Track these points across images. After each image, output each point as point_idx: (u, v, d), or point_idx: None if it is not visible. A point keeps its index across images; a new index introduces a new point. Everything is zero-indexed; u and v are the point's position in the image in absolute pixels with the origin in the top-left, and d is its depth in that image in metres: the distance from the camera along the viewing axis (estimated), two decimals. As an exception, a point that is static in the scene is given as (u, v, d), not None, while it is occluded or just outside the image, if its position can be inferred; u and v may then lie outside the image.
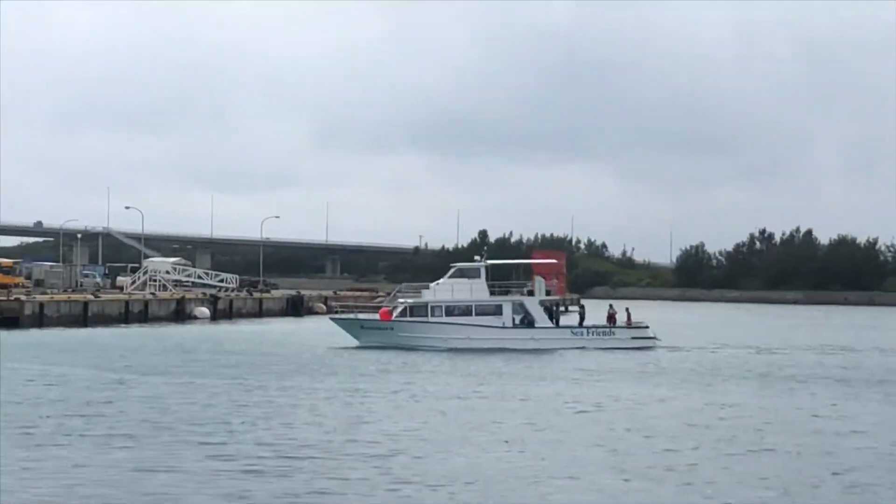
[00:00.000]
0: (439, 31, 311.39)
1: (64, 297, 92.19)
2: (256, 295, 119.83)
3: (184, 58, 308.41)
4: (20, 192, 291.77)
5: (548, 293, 68.81)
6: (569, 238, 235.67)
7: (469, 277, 67.21)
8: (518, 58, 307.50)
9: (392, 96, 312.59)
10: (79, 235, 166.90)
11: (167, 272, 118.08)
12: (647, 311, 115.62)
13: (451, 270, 68.54)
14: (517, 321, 66.20)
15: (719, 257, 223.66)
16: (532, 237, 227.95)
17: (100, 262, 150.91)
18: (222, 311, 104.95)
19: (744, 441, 30.69)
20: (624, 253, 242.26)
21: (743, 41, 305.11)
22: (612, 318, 68.86)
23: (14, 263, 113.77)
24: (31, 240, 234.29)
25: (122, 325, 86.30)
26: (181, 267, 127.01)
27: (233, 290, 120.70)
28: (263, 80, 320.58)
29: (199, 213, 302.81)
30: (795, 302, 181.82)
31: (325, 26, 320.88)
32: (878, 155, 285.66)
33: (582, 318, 70.59)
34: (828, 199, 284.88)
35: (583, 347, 64.29)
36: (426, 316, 66.09)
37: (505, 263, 74.04)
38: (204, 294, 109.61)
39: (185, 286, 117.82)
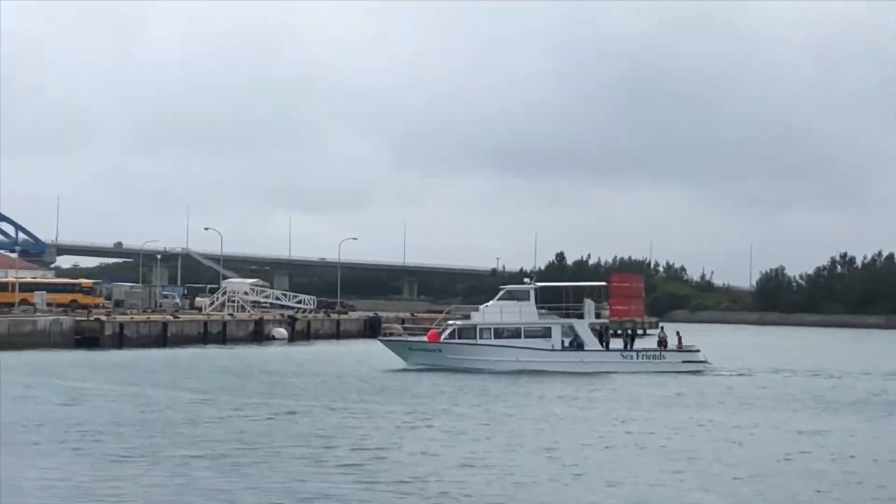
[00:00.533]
0: (518, 52, 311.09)
1: (143, 317, 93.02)
2: (334, 316, 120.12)
3: (263, 78, 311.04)
4: (100, 213, 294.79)
5: (597, 316, 68.11)
6: (647, 261, 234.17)
7: (518, 300, 66.66)
8: (596, 79, 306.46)
9: (470, 116, 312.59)
10: (158, 256, 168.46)
11: (245, 293, 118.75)
12: (723, 335, 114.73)
13: (500, 293, 68.21)
14: (566, 344, 65.59)
15: (800, 281, 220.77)
16: (610, 259, 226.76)
17: (178, 283, 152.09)
18: (300, 333, 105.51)
19: (833, 472, 30.10)
20: (703, 276, 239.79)
21: (824, 62, 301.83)
22: (662, 341, 68.09)
23: (94, 284, 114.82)
24: (111, 260, 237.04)
25: (201, 346, 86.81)
26: (259, 288, 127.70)
27: (310, 312, 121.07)
28: (342, 100, 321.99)
29: (277, 234, 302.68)
30: (877, 326, 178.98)
31: (403, 47, 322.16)
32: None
33: (630, 342, 69.73)
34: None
35: (633, 371, 63.28)
36: (474, 338, 65.58)
37: (554, 286, 73.42)
38: (282, 315, 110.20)
39: (264, 307, 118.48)
